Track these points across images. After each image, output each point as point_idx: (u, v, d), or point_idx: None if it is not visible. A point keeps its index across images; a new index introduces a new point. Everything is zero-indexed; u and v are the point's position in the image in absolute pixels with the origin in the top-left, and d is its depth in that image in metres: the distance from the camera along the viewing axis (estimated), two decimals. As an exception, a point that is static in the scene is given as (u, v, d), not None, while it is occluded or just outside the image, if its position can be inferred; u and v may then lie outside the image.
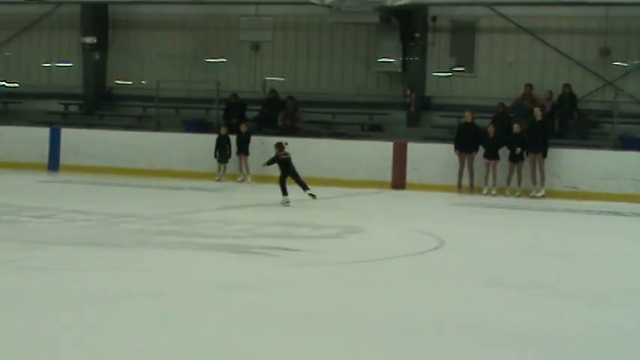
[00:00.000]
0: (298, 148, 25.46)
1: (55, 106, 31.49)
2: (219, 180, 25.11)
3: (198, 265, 11.26)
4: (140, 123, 29.85)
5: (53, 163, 27.18)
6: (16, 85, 32.60)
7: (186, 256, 11.82)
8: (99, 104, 31.21)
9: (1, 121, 29.92)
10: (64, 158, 27.09)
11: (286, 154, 19.83)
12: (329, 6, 26.37)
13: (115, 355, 6.87)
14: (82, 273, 10.26)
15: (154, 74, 30.22)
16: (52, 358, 6.79)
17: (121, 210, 16.90)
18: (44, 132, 27.66)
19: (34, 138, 27.57)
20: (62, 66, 32.19)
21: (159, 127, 28.65)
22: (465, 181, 24.10)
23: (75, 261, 11.08)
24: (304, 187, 19.49)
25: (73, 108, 31.52)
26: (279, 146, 19.93)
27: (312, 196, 19.31)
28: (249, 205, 19.69)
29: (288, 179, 19.58)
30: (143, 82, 30.96)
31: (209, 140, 25.74)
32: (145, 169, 26.18)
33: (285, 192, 19.24)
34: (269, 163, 20.06)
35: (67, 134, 27.39)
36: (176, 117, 29.51)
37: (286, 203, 19.02)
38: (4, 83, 32.80)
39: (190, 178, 25.14)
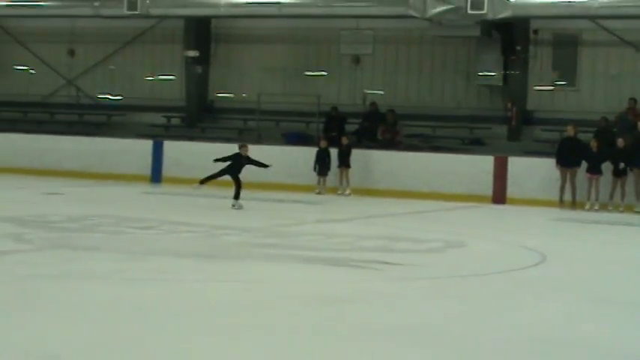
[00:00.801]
0: (398, 161, 25.47)
1: (158, 118, 31.91)
2: (319, 193, 25.15)
3: (298, 277, 11.28)
4: (241, 136, 30.06)
5: (156, 175, 27.51)
6: (120, 97, 33.14)
7: (287, 268, 11.85)
8: (201, 117, 31.54)
9: (105, 134, 30.45)
10: (167, 170, 27.41)
11: (248, 158, 20.82)
12: (430, 19, 26.26)
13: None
14: (185, 284, 10.36)
15: (255, 87, 30.45)
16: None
17: (222, 222, 17.03)
18: (147, 144, 28.02)
19: (138, 150, 27.95)
20: (165, 79, 32.62)
21: (259, 139, 28.79)
22: (567, 196, 23.74)
23: (178, 272, 11.19)
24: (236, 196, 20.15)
25: (175, 121, 31.91)
26: (243, 147, 21.02)
27: (236, 206, 19.96)
28: (350, 218, 19.67)
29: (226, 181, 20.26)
30: (244, 94, 31.20)
31: (309, 153, 25.79)
32: (247, 181, 26.28)
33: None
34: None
35: (170, 146, 27.72)
36: (276, 130, 29.67)
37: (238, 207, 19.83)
38: (108, 96, 33.39)
39: (290, 191, 25.22)
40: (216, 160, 20.90)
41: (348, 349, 7.58)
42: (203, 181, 20.44)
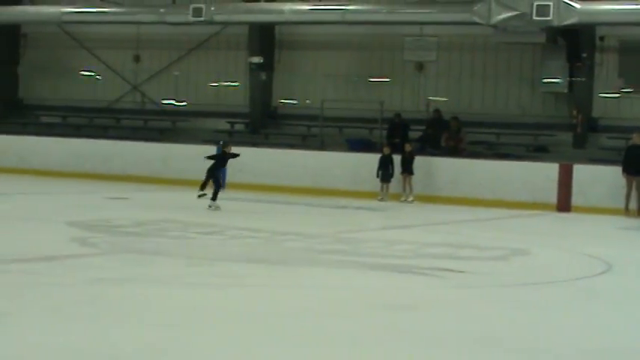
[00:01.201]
0: (462, 168, 25.32)
1: (222, 124, 32.08)
2: (381, 199, 25.09)
3: (362, 284, 11.23)
4: (304, 142, 30.12)
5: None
6: (185, 103, 33.37)
7: (351, 275, 11.81)
8: (265, 123, 31.64)
9: (169, 139, 30.67)
10: (231, 176, 27.45)
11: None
12: (494, 26, 26.09)
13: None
14: (250, 290, 10.36)
15: (319, 94, 30.50)
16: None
17: (286, 228, 17.04)
18: (211, 150, 28.08)
19: (201, 156, 27.99)
20: (229, 85, 32.80)
21: (323, 146, 28.84)
22: (633, 205, 23.42)
23: (243, 277, 11.21)
24: (202, 187, 20.35)
25: (239, 126, 32.05)
26: (228, 146, 21.10)
27: (210, 207, 19.89)
28: (413, 225, 19.59)
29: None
30: (308, 101, 31.27)
31: (372, 160, 25.73)
32: (309, 187, 26.37)
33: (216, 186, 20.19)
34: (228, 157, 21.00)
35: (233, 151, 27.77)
36: (339, 136, 29.68)
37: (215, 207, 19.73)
38: (172, 102, 33.63)
39: (353, 198, 25.20)
40: (208, 158, 21.16)
41: (414, 357, 7.52)
42: (202, 188, 20.55)
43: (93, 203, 20.97)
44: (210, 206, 19.88)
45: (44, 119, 34.96)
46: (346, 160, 26.98)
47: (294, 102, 31.84)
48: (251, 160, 27.48)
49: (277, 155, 27.68)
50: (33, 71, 35.63)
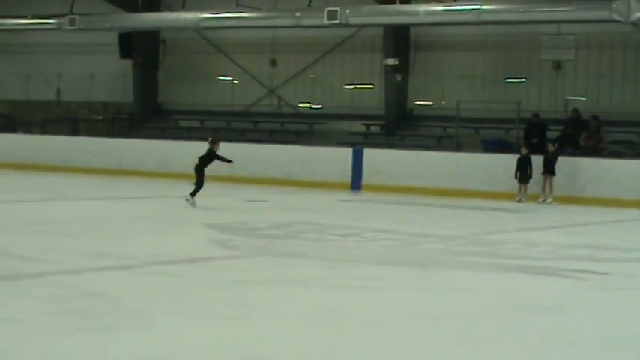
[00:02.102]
0: (603, 168, 24.80)
1: (358, 126, 32.18)
2: (519, 201, 24.75)
3: (501, 286, 11.10)
4: (440, 143, 29.98)
5: (356, 183, 27.66)
6: (320, 106, 33.58)
7: (491, 277, 11.69)
8: (400, 125, 31.61)
9: (305, 142, 30.88)
10: (367, 178, 27.54)
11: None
12: (633, 23, 25.48)
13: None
14: (390, 292, 10.34)
15: (454, 94, 30.33)
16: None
17: (422, 230, 16.97)
18: (347, 152, 28.23)
19: (338, 158, 28.18)
20: (364, 87, 32.87)
21: (458, 147, 28.66)
22: None
23: (380, 279, 11.19)
24: (195, 189, 19.38)
25: (374, 128, 32.08)
26: (217, 141, 20.11)
27: (187, 200, 19.12)
28: (553, 226, 19.28)
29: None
30: (443, 102, 31.12)
31: (509, 161, 25.42)
32: (445, 189, 26.22)
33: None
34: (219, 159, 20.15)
35: (370, 154, 27.81)
36: (475, 137, 29.44)
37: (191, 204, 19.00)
38: (308, 105, 33.88)
39: (490, 199, 24.94)
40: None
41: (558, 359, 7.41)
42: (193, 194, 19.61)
43: (231, 206, 21.24)
44: (187, 200, 19.31)
45: (183, 123, 35.63)
46: (482, 161, 26.73)
47: (430, 103, 31.73)
48: (387, 162, 27.49)
49: (413, 157, 27.59)
50: (172, 76, 36.36)
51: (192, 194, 19.45)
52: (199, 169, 20.04)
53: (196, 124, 35.13)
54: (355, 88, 33.05)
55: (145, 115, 35.89)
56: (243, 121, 34.37)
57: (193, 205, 19.22)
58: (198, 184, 19.71)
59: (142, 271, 11.09)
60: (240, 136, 32.79)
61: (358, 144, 29.66)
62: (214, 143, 20.20)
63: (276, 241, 14.63)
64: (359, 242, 14.85)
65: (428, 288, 10.75)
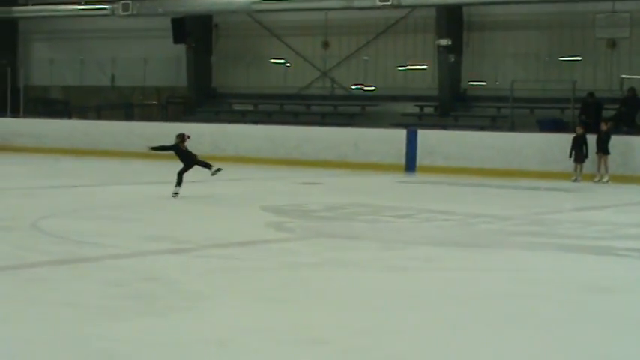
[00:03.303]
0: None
1: (411, 108, 32.05)
2: (575, 180, 24.51)
3: (559, 266, 11.01)
4: (494, 123, 29.77)
5: (410, 164, 27.56)
6: (374, 88, 33.48)
7: (547, 256, 11.60)
8: (454, 105, 31.43)
9: (359, 124, 30.80)
10: (421, 159, 27.43)
11: (186, 148, 18.42)
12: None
13: (478, 356, 6.81)
14: (445, 273, 10.30)
15: (508, 74, 30.07)
16: (412, 355, 6.82)
17: (478, 210, 16.87)
18: (401, 134, 28.12)
19: (392, 140, 28.08)
20: (417, 68, 32.71)
21: (513, 127, 28.45)
22: None
23: (437, 260, 11.15)
24: (208, 167, 18.09)
25: (428, 110, 31.94)
26: (182, 138, 18.49)
27: (217, 171, 18.04)
28: (609, 205, 19.09)
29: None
30: (497, 82, 30.89)
31: (564, 140, 25.17)
32: (500, 169, 26.04)
33: (179, 182, 17.75)
34: (158, 149, 18.79)
35: (424, 135, 27.68)
36: (530, 117, 29.19)
37: (175, 195, 17.52)
38: (361, 87, 33.80)
39: (545, 179, 24.73)
40: (153, 149, 19.00)
41: (622, 340, 7.31)
42: (209, 167, 18.17)
43: (286, 189, 21.27)
44: (176, 194, 17.64)
45: (236, 107, 35.71)
46: (537, 141, 26.49)
47: (483, 83, 31.50)
48: (441, 143, 27.36)
49: (467, 137, 27.43)
50: (225, 60, 36.43)
51: (212, 167, 18.14)
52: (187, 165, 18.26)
53: (250, 107, 35.19)
54: (408, 69, 32.90)
55: (198, 99, 36.03)
56: (296, 103, 34.37)
57: (176, 195, 17.63)
58: (205, 166, 18.21)
59: (198, 254, 11.14)
60: (294, 119, 32.79)
61: (412, 125, 29.53)
62: (181, 140, 18.56)
63: (331, 223, 14.63)
64: (414, 223, 14.80)
65: (485, 269, 10.70)
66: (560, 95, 28.61)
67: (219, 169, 18.20)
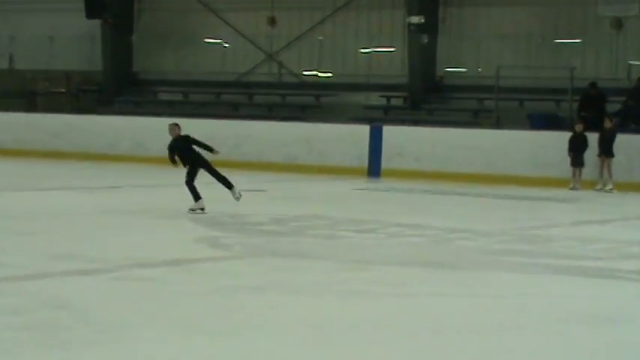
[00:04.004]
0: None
1: (376, 99, 32.15)
2: (573, 188, 24.69)
3: (553, 291, 11.08)
4: (476, 119, 29.92)
5: (374, 167, 27.62)
6: (330, 74, 33.53)
7: (539, 281, 11.67)
8: (427, 97, 31.56)
9: (313, 118, 30.83)
10: (387, 161, 27.50)
11: (186, 138, 17.88)
12: None
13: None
14: (415, 300, 10.33)
15: (493, 59, 30.24)
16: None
17: (456, 224, 16.93)
18: (363, 130, 28.16)
19: (352, 137, 28.12)
20: (383, 51, 32.80)
21: (498, 123, 28.60)
22: None
23: (406, 285, 11.17)
24: (228, 186, 17.60)
25: (396, 101, 32.04)
26: (175, 127, 17.95)
27: (237, 198, 17.55)
28: (613, 219, 19.26)
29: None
30: (480, 69, 31.07)
31: (560, 140, 25.34)
32: (483, 174, 26.17)
33: (195, 194, 17.27)
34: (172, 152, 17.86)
35: (391, 133, 27.76)
36: (519, 111, 29.37)
37: (200, 210, 17.13)
38: (316, 73, 33.84)
39: (537, 186, 24.89)
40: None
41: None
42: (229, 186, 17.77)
43: (223, 196, 21.22)
44: (200, 209, 17.28)
45: (163, 96, 35.65)
46: (528, 140, 26.66)
47: (463, 70, 31.66)
48: (411, 142, 27.46)
49: (443, 135, 27.53)
50: (149, 40, 36.33)
51: (232, 188, 17.80)
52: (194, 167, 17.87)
53: (179, 96, 35.12)
54: (373, 52, 32.99)
55: (117, 86, 35.88)
56: (237, 93, 34.37)
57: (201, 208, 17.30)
58: (222, 182, 17.94)
59: (114, 276, 11.09)
60: (233, 111, 32.79)
61: (377, 120, 29.62)
62: (170, 130, 18.29)
63: (277, 239, 14.63)
64: (378, 240, 14.85)
65: (462, 295, 10.74)
66: (556, 85, 28.80)
67: (238, 197, 17.70)
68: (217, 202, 19.80)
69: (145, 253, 12.87)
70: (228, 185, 17.90)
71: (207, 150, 17.91)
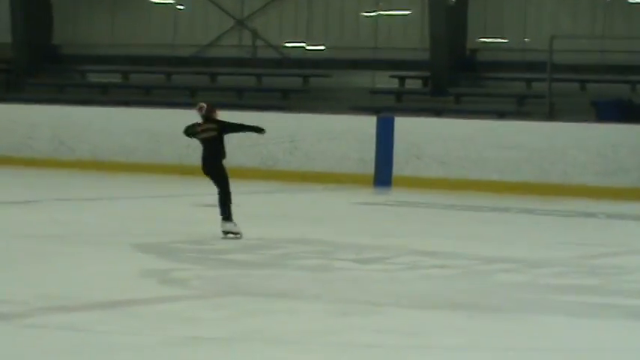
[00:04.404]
0: None
1: (385, 80, 32.19)
2: (656, 202, 24.77)
3: (628, 342, 11.09)
4: (520, 107, 29.96)
5: (383, 174, 27.57)
6: (322, 47, 33.58)
7: (608, 328, 11.67)
8: (455, 78, 31.59)
9: (300, 106, 30.80)
10: (400, 166, 27.46)
11: (211, 129, 18.49)
12: None
13: None
14: (437, 354, 10.33)
15: (545, 27, 30.34)
16: None
17: (494, 251, 16.96)
18: (368, 123, 28.13)
19: (353, 133, 28.08)
20: (396, 15, 32.84)
21: (552, 113, 28.61)
22: None
23: (424, 333, 11.16)
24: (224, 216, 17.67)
25: (413, 83, 32.10)
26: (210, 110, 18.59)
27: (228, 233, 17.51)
28: None
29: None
30: (526, 39, 31.12)
31: (637, 135, 25.35)
32: (531, 182, 26.18)
33: (226, 215, 17.65)
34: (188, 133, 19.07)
35: (405, 126, 27.71)
36: (581, 96, 29.43)
37: (234, 235, 17.37)
38: (302, 45, 33.87)
39: (607, 199, 24.92)
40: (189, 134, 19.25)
41: None
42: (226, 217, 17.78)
43: (176, 214, 21.25)
44: (225, 233, 17.54)
45: (93, 77, 35.64)
46: (593, 137, 26.66)
47: (504, 41, 31.71)
48: (433, 139, 27.44)
49: (477, 130, 27.52)
50: (74, 3, 36.34)
51: (225, 216, 17.79)
52: (213, 166, 18.69)
53: (116, 78, 35.14)
54: (380, 15, 33.04)
55: (30, 64, 35.86)
56: (195, 72, 34.39)
57: (237, 232, 17.44)
58: (221, 192, 18.25)
59: (27, 323, 11.07)
60: (190, 98, 32.79)
61: (386, 109, 29.64)
62: (210, 112, 18.66)
63: (250, 272, 14.63)
64: (388, 272, 14.85)
65: (506, 348, 10.74)
66: (631, 61, 28.88)
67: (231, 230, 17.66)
68: (171, 222, 19.83)
69: (69, 291, 12.87)
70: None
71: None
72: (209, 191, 23.38)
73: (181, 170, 28.51)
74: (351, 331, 11.09)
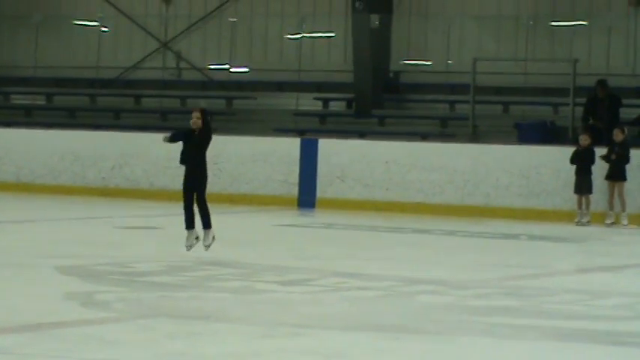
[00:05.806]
0: None
1: (309, 102, 32.19)
2: (579, 223, 24.77)
3: (549, 364, 11.15)
4: (444, 128, 30.03)
5: (307, 196, 27.59)
6: (246, 70, 33.57)
7: (531, 349, 11.69)
8: (378, 99, 31.64)
9: (224, 128, 30.71)
10: (324, 187, 27.49)
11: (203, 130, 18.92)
12: None
13: None
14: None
15: (468, 49, 30.47)
16: None
17: (417, 272, 16.99)
18: (292, 145, 28.15)
19: (276, 155, 28.08)
20: (319, 37, 32.86)
21: (475, 134, 28.68)
22: None
23: (350, 355, 11.15)
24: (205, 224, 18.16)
25: (337, 105, 32.11)
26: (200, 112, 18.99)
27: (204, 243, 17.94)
28: (629, 265, 19.39)
29: None
30: (450, 61, 31.21)
31: (559, 157, 25.48)
32: (454, 204, 26.26)
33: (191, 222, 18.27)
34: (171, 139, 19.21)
35: (329, 148, 27.75)
36: (504, 118, 29.59)
37: (192, 244, 17.87)
38: (226, 67, 33.85)
39: (530, 220, 25.02)
40: (170, 140, 19.53)
41: None
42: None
43: (100, 236, 21.15)
44: (206, 244, 18.03)
45: (17, 100, 35.44)
46: (516, 158, 26.76)
47: (427, 63, 31.77)
48: (357, 161, 27.47)
49: (400, 152, 27.58)
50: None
51: (205, 225, 18.31)
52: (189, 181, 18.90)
53: (40, 100, 34.96)
54: (304, 37, 33.04)
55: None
56: (119, 94, 34.28)
57: (208, 244, 17.96)
58: (200, 208, 18.71)
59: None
60: (114, 120, 32.69)
61: (310, 131, 29.63)
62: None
63: (174, 294, 14.56)
64: (312, 294, 14.83)
65: (427, 370, 10.75)
66: (553, 83, 28.98)
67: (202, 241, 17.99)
68: (92, 244, 19.73)
69: (-9, 315, 12.77)
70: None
71: None
72: (132, 214, 23.39)
73: (105, 192, 28.44)
74: (275, 354, 11.06)
